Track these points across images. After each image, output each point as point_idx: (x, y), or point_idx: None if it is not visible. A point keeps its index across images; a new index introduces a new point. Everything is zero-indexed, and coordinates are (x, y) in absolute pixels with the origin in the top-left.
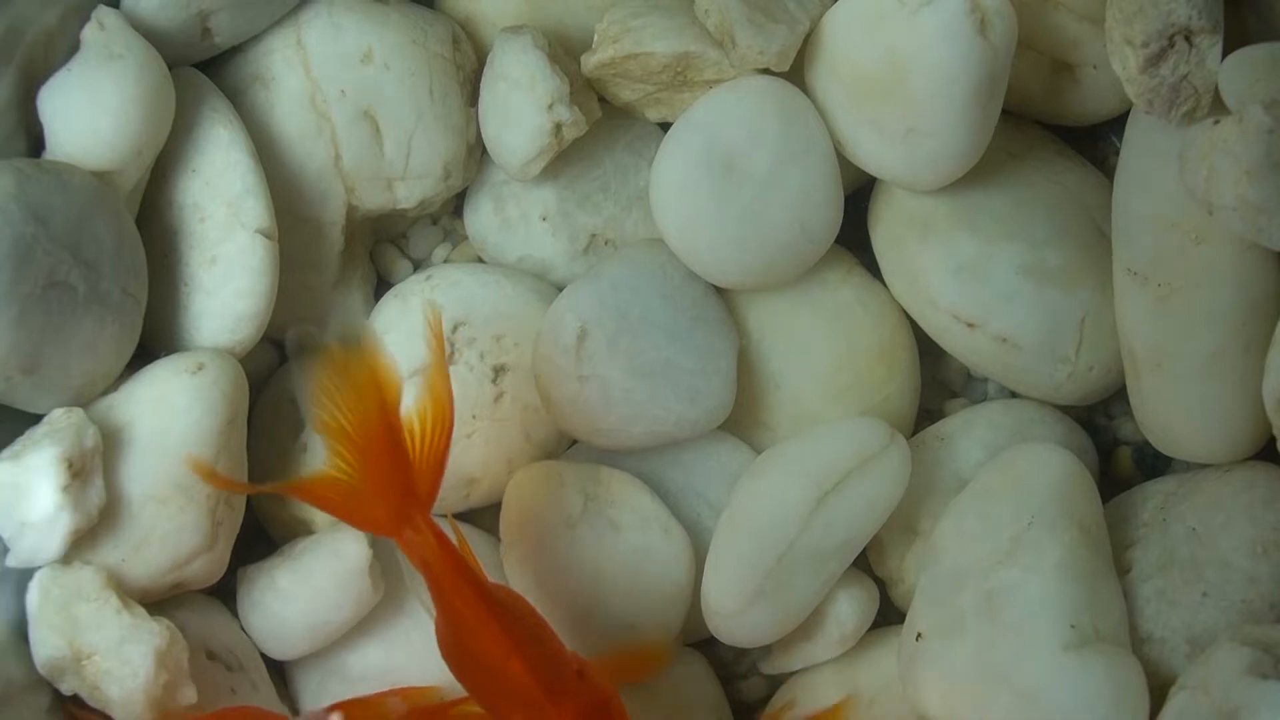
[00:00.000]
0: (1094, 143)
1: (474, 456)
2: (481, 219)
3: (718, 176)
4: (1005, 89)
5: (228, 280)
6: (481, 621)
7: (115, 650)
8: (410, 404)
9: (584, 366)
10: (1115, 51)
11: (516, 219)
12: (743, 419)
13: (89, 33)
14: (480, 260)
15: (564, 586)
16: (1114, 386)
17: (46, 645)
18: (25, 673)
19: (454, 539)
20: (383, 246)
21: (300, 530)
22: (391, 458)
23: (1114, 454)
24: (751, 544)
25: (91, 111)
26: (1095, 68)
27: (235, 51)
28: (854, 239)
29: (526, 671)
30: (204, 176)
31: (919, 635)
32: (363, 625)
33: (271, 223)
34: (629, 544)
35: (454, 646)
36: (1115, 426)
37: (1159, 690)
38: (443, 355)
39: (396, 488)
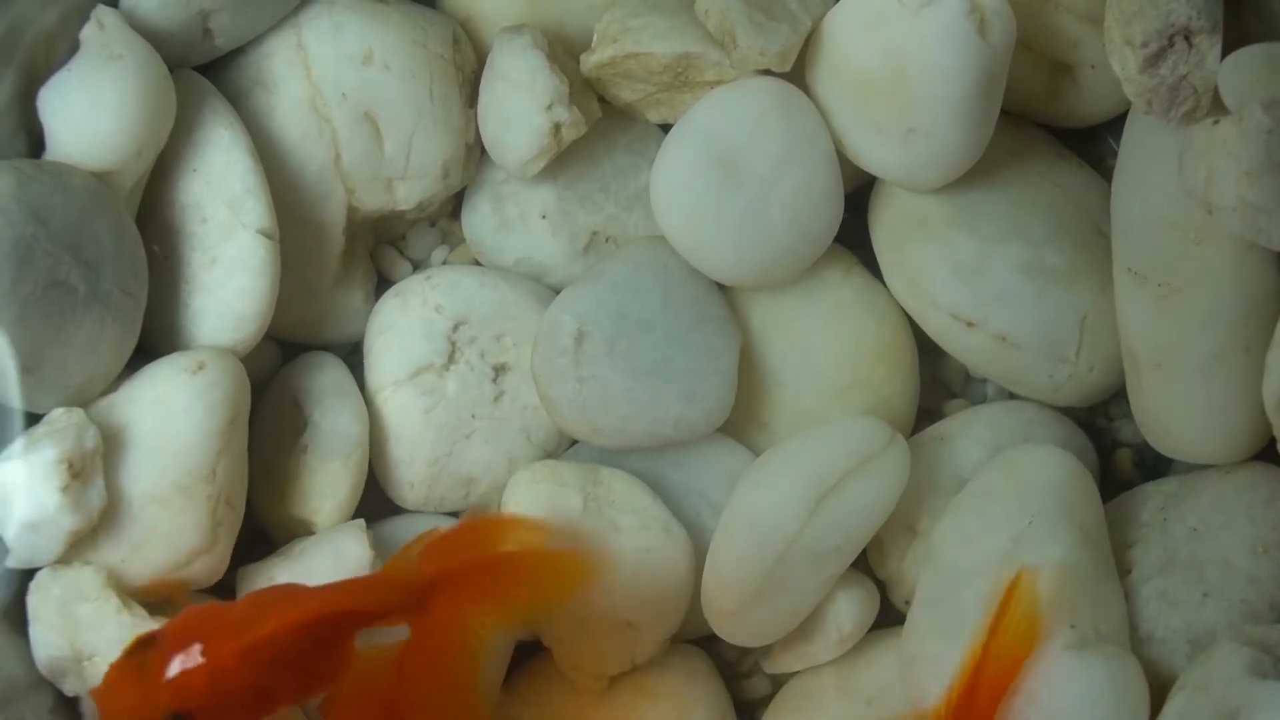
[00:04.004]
0: (1092, 143)
1: (474, 456)
2: (479, 219)
3: (719, 176)
4: (1004, 89)
5: (228, 280)
6: None
7: (116, 650)
8: None
9: (583, 367)
10: (1114, 52)
11: (515, 219)
12: (743, 418)
13: (89, 33)
14: (477, 263)
15: None
16: (1114, 387)
17: (47, 645)
18: (27, 673)
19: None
20: (382, 248)
21: (300, 531)
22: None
23: (1114, 456)
24: (751, 544)
25: (91, 112)
26: (1094, 68)
27: (236, 54)
28: (854, 238)
29: None
30: (204, 177)
31: (918, 635)
32: None
33: (273, 223)
34: (629, 544)
35: None
36: (1116, 429)
37: (1159, 690)
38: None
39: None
